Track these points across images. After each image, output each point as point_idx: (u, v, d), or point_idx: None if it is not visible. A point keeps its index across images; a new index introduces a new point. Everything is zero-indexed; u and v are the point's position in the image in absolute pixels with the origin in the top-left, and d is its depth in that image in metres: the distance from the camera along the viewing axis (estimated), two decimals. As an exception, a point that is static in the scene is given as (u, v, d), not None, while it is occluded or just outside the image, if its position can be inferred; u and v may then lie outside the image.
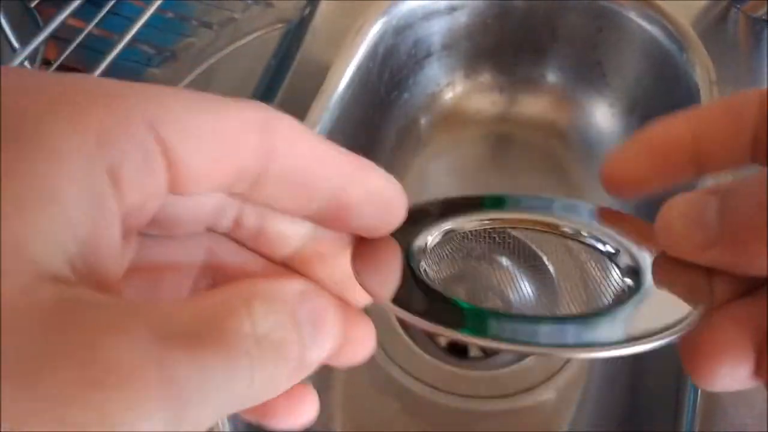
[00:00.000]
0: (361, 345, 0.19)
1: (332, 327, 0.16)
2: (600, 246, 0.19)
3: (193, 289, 0.18)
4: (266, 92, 0.49)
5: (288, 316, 0.15)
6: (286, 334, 0.14)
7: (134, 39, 0.42)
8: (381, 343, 0.51)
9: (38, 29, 0.37)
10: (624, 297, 0.18)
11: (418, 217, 0.19)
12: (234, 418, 0.38)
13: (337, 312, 0.16)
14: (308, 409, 0.19)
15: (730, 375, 0.17)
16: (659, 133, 0.18)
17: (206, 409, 0.13)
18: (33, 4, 0.45)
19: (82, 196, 0.12)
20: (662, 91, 0.53)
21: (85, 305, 0.12)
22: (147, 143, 0.13)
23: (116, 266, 0.14)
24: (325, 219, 0.17)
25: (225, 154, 0.15)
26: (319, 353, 0.16)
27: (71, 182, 0.12)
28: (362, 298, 0.19)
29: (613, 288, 0.19)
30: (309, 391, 0.19)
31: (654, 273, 0.18)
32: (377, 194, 0.17)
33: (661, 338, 0.16)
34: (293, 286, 0.16)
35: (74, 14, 0.38)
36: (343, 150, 0.17)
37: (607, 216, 0.20)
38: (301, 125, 0.16)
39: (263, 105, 0.16)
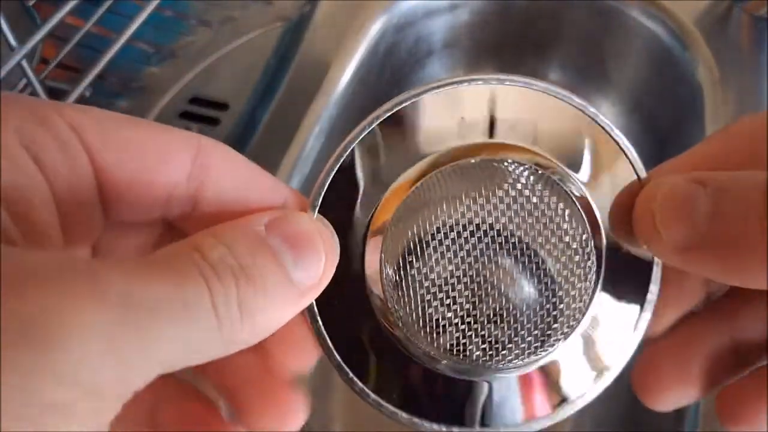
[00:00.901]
0: (285, 421, 0.18)
1: (317, 244, 0.16)
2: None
3: None
4: (266, 91, 0.48)
5: (252, 242, 0.15)
6: (254, 259, 0.14)
7: (133, 37, 0.42)
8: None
9: (36, 27, 0.37)
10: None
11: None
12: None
13: (324, 231, 0.16)
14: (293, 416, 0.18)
15: (680, 396, 0.18)
16: None
17: (170, 336, 0.13)
18: (31, 3, 0.45)
19: (6, 167, 0.13)
20: (665, 90, 0.53)
21: (15, 263, 0.12)
22: (66, 136, 0.14)
23: (56, 224, 0.15)
24: None
25: (152, 168, 0.15)
26: (308, 273, 0.15)
27: None
28: (297, 363, 0.18)
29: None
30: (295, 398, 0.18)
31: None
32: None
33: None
34: (260, 216, 0.16)
35: (72, 12, 0.38)
36: (274, 177, 0.17)
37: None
38: (234, 151, 0.17)
39: (196, 134, 0.16)
